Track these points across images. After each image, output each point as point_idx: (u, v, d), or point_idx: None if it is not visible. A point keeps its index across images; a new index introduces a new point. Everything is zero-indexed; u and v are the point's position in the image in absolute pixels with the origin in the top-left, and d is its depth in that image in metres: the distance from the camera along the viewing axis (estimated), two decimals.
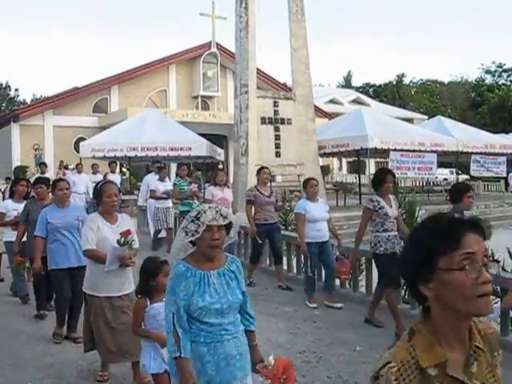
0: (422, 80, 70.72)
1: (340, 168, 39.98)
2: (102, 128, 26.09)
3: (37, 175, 17.55)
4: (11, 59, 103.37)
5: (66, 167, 21.65)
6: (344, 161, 39.70)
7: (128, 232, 4.83)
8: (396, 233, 6.84)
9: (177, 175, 12.36)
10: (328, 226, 8.26)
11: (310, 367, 5.66)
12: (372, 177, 7.94)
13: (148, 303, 4.28)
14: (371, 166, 31.67)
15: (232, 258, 3.34)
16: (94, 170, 18.05)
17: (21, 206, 7.88)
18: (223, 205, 9.13)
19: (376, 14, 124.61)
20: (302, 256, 9.33)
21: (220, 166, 12.27)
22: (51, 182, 7.45)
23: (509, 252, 8.32)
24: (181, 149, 19.39)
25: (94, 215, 5.22)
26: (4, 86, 59.11)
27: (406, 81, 68.61)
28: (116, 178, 16.51)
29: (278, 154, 18.50)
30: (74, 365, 5.77)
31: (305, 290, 8.37)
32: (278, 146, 18.57)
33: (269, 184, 9.77)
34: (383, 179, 6.83)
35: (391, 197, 7.02)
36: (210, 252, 3.11)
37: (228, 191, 10.72)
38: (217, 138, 27.55)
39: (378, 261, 6.90)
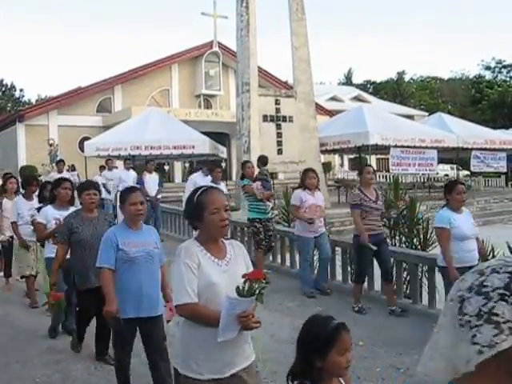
0: (422, 77, 70.78)
1: (341, 165, 40.07)
2: (106, 127, 26.21)
3: (53, 174, 17.18)
4: (16, 60, 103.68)
5: (74, 168, 20.39)
6: (345, 157, 39.80)
7: (257, 274, 2.87)
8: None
9: (244, 175, 10.05)
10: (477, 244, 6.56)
11: None
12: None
13: None
14: (373, 163, 31.81)
15: None
16: (109, 166, 17.78)
17: (64, 214, 6.19)
18: (315, 213, 8.58)
19: (376, 11, 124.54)
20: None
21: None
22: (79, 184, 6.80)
23: (509, 247, 8.44)
24: (184, 147, 19.50)
25: (191, 244, 3.08)
26: (9, 86, 59.41)
27: (407, 78, 68.68)
28: (154, 178, 14.63)
29: (279, 152, 18.63)
30: (81, 361, 5.82)
31: None
32: (279, 143, 18.69)
33: (374, 186, 7.93)
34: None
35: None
36: None
37: (320, 195, 8.99)
38: (219, 136, 27.69)
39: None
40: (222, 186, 10.90)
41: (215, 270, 3.00)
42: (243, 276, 2.82)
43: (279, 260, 10.79)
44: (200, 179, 11.96)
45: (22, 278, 8.49)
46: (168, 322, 4.54)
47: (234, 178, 24.12)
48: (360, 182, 7.86)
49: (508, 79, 59.50)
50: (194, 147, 19.45)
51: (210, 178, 11.40)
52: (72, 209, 6.48)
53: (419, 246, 9.33)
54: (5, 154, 30.97)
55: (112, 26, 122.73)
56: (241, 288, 2.76)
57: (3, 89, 59.30)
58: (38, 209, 7.37)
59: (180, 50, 33.28)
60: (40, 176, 17.23)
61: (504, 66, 61.13)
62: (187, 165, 33.12)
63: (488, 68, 62.03)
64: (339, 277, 9.19)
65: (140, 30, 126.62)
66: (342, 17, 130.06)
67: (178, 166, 32.13)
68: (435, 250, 8.66)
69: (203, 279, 2.94)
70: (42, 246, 7.11)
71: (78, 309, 5.91)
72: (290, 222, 12.21)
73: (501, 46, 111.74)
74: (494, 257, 8.36)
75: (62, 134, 29.65)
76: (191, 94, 34.07)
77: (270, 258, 10.85)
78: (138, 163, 19.27)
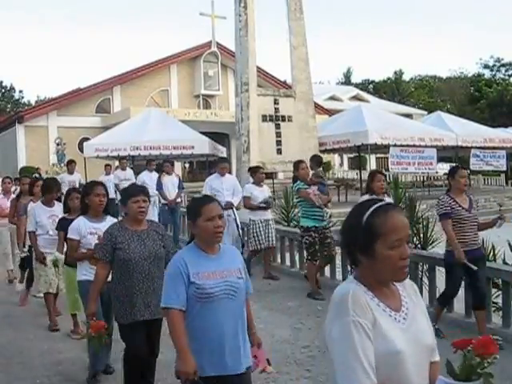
0: (420, 76, 70.79)
1: (341, 164, 40.05)
2: (105, 128, 26.18)
3: (62, 175, 15.99)
4: (15, 62, 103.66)
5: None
6: (345, 157, 39.77)
7: (485, 344, 2.13)
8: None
9: (296, 177, 8.81)
10: None
11: (315, 362, 5.71)
12: None
13: None
14: (372, 162, 31.82)
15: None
16: (122, 165, 16.75)
17: (101, 227, 5.11)
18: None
19: (375, 10, 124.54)
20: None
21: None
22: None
23: (509, 245, 8.43)
24: (183, 147, 19.49)
25: (356, 288, 2.01)
26: (9, 88, 59.37)
27: (405, 77, 68.71)
28: (173, 180, 13.26)
29: (279, 151, 18.64)
30: (82, 362, 5.79)
31: None
32: (279, 143, 18.70)
33: (467, 191, 6.75)
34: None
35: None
36: None
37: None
38: (219, 136, 27.67)
39: None
40: (265, 188, 10.34)
41: (395, 330, 1.97)
42: (455, 345, 2.12)
43: (279, 259, 10.78)
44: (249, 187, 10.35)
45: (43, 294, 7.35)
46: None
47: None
48: (450, 187, 6.61)
49: (507, 77, 59.46)
50: (193, 147, 19.45)
51: (221, 179, 10.62)
52: (110, 219, 5.41)
53: (419, 245, 9.33)
54: (4, 156, 30.97)
55: (111, 27, 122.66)
56: (456, 367, 1.95)
57: (3, 90, 59.25)
58: (61, 220, 6.42)
59: (179, 51, 33.27)
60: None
61: (503, 65, 61.11)
62: (187, 165, 33.13)
63: (486, 66, 62.01)
64: (339, 276, 9.17)
65: (138, 31, 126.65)
66: (341, 16, 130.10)
67: (177, 166, 32.12)
68: (435, 249, 8.68)
69: (382, 345, 1.90)
70: (70, 265, 5.90)
71: (124, 352, 4.63)
72: (290, 222, 12.23)
73: (499, 44, 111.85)
74: (494, 255, 8.37)
75: (61, 135, 29.64)
76: (190, 95, 34.06)
77: (271, 257, 10.81)
78: (136, 163, 19.24)
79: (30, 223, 7.32)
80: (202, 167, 30.51)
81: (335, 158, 37.71)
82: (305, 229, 8.55)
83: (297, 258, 10.23)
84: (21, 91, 60.90)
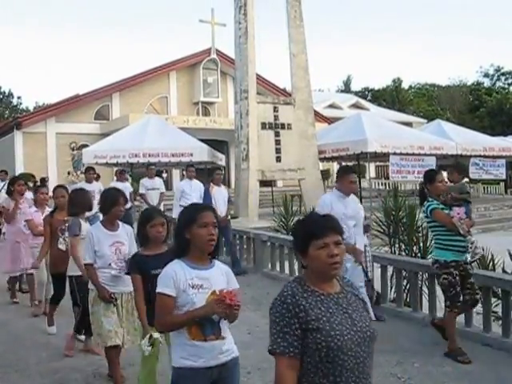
0: (420, 84, 70.98)
1: None
2: (104, 135, 26.16)
3: (80, 184, 13.14)
4: (14, 67, 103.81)
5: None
6: (344, 165, 39.77)
7: None
8: None
9: (425, 192, 6.52)
10: None
11: None
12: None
13: None
14: (371, 170, 31.81)
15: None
16: (150, 173, 14.51)
17: (211, 276, 3.30)
18: None
19: (375, 18, 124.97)
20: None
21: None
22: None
23: (509, 254, 8.41)
24: (182, 154, 19.45)
25: None
26: (7, 94, 59.50)
27: (405, 85, 68.85)
28: (223, 193, 11.52)
29: (278, 159, 18.61)
30: (80, 370, 5.77)
31: None
32: (278, 150, 18.67)
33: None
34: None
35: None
36: None
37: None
38: (218, 144, 27.68)
39: None
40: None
41: None
42: None
43: (278, 268, 10.73)
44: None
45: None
46: None
47: (232, 185, 24.04)
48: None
49: (506, 86, 59.72)
50: (192, 155, 19.42)
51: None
52: (218, 264, 3.42)
53: (419, 254, 9.28)
54: (2, 162, 30.88)
55: (110, 34, 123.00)
56: None
57: (1, 96, 59.35)
58: (136, 258, 4.68)
59: (178, 58, 33.33)
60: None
61: (502, 74, 61.37)
62: (185, 172, 33.05)
63: (486, 75, 62.28)
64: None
65: (138, 38, 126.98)
66: (341, 24, 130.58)
67: (176, 174, 32.06)
68: None
69: None
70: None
71: None
72: (289, 231, 12.18)
73: (499, 53, 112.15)
74: (493, 264, 8.33)
75: (59, 141, 29.64)
76: (189, 102, 34.09)
77: (269, 266, 10.75)
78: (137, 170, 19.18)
79: (85, 252, 5.35)
80: (200, 175, 30.48)
81: (334, 166, 37.72)
82: (442, 264, 6.19)
83: (295, 266, 10.19)
84: (19, 97, 61.16)
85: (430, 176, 6.47)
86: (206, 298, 3.18)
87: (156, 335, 4.10)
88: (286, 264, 10.50)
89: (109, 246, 5.18)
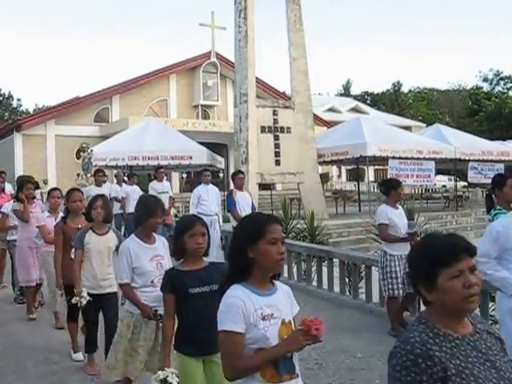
0: (419, 88, 71.07)
1: (339, 176, 40.11)
2: (104, 137, 26.16)
3: (90, 187, 12.82)
4: (14, 69, 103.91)
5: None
6: (343, 168, 39.81)
7: None
8: None
9: (492, 198, 5.79)
10: None
11: (311, 374, 5.65)
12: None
13: None
14: (370, 174, 31.84)
15: None
16: (159, 176, 13.71)
17: (277, 303, 2.74)
18: None
19: (374, 22, 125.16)
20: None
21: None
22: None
23: None
24: (181, 157, 19.47)
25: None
26: (7, 96, 59.52)
27: (404, 89, 68.97)
28: (247, 198, 10.69)
29: (277, 163, 18.63)
30: (77, 373, 5.77)
31: None
32: (277, 154, 18.69)
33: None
34: None
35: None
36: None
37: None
38: (217, 147, 27.69)
39: None
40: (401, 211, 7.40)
41: None
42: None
43: (286, 274, 10.69)
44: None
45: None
46: None
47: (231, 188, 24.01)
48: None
49: (505, 91, 59.79)
50: (191, 158, 19.43)
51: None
52: (280, 287, 2.85)
53: None
54: (1, 164, 30.88)
55: (110, 37, 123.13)
56: None
57: (0, 98, 59.38)
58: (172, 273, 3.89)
59: (178, 61, 33.37)
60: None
61: (502, 78, 61.48)
62: (184, 175, 33.11)
63: (486, 80, 62.39)
64: (336, 288, 9.13)
65: (138, 41, 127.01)
66: (341, 27, 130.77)
67: (175, 177, 32.10)
68: None
69: None
70: None
71: None
72: (288, 234, 12.17)
73: (498, 57, 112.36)
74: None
75: (59, 143, 29.65)
76: (189, 105, 34.13)
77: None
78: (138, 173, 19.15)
79: (119, 269, 4.61)
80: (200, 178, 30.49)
81: (333, 170, 37.77)
82: None
83: (294, 269, 10.20)
84: (19, 99, 61.23)
85: (500, 180, 5.56)
86: (278, 330, 2.62)
87: (173, 379, 3.52)
88: (286, 267, 10.49)
89: (149, 260, 4.48)
